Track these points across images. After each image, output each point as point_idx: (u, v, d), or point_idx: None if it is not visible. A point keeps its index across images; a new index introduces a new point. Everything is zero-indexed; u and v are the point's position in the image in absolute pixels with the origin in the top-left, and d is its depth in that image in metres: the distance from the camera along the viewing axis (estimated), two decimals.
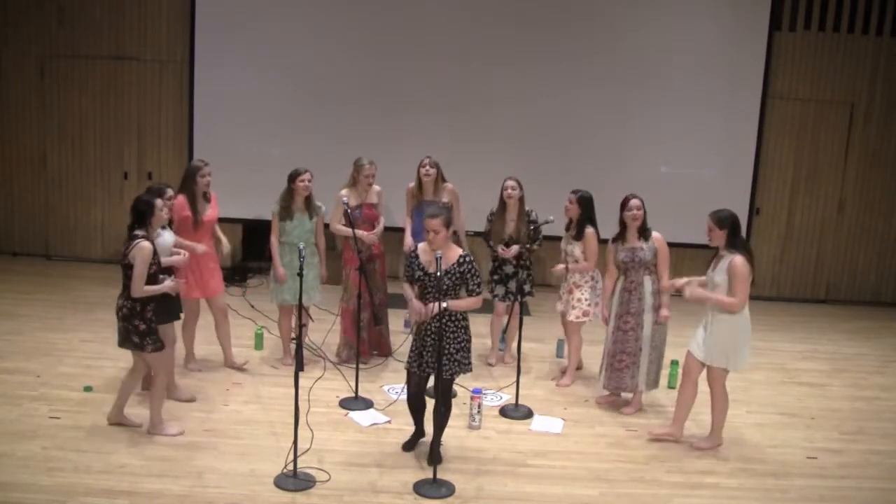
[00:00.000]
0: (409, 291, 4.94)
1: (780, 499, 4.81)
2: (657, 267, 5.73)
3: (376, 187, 6.53)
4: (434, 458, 4.84)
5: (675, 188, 8.80)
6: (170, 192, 5.59)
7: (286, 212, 6.22)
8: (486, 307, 6.86)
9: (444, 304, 4.71)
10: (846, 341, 8.07)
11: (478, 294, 4.85)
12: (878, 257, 9.54)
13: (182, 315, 5.88)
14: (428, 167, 6.65)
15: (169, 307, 5.47)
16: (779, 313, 8.97)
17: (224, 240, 6.27)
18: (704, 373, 5.32)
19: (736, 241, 5.11)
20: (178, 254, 5.49)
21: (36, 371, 6.07)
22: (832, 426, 5.91)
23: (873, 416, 6.15)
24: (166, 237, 5.47)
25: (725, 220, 5.11)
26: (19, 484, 4.45)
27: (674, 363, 6.29)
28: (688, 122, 9.01)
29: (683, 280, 5.33)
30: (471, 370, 4.97)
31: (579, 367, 6.64)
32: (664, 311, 5.70)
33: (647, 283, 5.73)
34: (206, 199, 6.09)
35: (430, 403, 5.04)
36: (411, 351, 4.94)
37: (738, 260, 5.02)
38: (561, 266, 6.21)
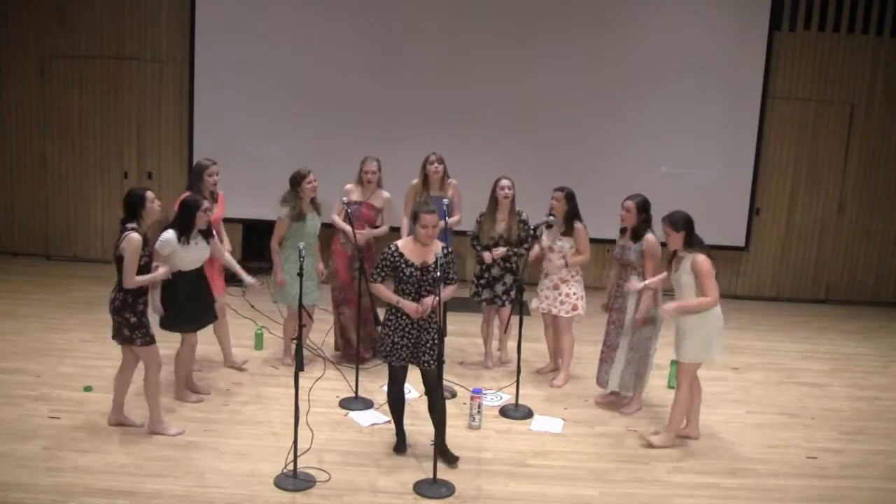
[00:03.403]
0: (389, 293, 4.85)
1: (780, 499, 4.81)
2: (643, 269, 5.74)
3: (385, 193, 6.52)
4: (449, 456, 4.90)
5: (675, 188, 8.79)
6: (206, 203, 5.49)
7: (299, 214, 6.21)
8: (479, 308, 6.85)
9: (438, 297, 4.77)
10: (846, 341, 8.06)
11: (455, 282, 4.96)
12: (878, 257, 9.54)
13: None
14: (436, 164, 6.66)
15: (200, 312, 5.47)
16: (779, 313, 8.98)
17: (226, 241, 6.23)
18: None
19: (692, 241, 5.16)
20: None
21: (36, 371, 6.07)
22: (832, 426, 5.91)
23: (873, 416, 6.15)
24: (184, 254, 5.36)
25: (680, 223, 5.16)
26: (19, 484, 4.46)
27: (673, 363, 6.28)
28: (688, 122, 9.01)
29: (644, 283, 5.50)
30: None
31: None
32: (639, 315, 5.69)
33: (632, 282, 5.75)
34: (213, 198, 6.09)
35: (421, 405, 5.06)
36: (392, 345, 4.85)
37: (700, 258, 5.09)
38: (560, 262, 6.16)
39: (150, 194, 5.02)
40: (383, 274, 4.89)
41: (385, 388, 6.10)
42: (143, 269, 4.95)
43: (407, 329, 4.85)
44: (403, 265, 4.82)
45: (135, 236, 4.86)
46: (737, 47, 8.92)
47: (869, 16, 9.01)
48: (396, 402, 5.09)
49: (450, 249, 4.95)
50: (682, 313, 5.21)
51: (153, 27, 9.10)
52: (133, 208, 4.95)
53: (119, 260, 4.88)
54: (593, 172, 8.74)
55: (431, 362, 4.82)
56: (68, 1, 9.03)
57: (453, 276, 4.94)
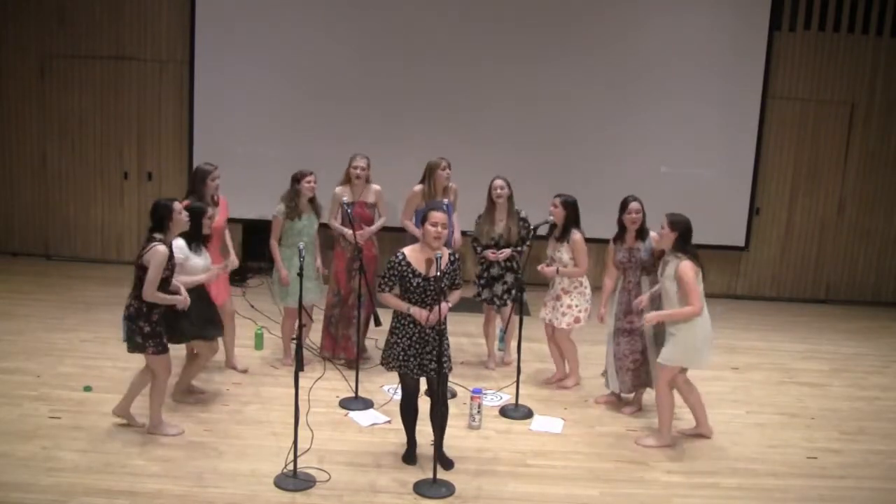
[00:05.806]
0: (398, 301, 4.73)
1: (780, 499, 4.81)
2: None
3: (375, 186, 6.48)
4: (445, 462, 4.88)
5: (675, 188, 8.79)
6: (210, 210, 5.51)
7: (294, 212, 6.20)
8: (479, 308, 6.85)
9: (449, 304, 4.74)
10: (846, 341, 8.06)
11: (461, 287, 4.90)
12: (878, 257, 9.54)
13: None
14: (449, 170, 6.52)
15: (205, 321, 5.46)
16: (779, 313, 8.98)
17: (232, 253, 6.19)
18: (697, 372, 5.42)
19: (684, 246, 5.14)
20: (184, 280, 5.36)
21: (36, 371, 6.07)
22: (832, 426, 5.91)
23: (873, 416, 6.15)
24: (196, 260, 5.38)
25: (678, 224, 5.16)
26: (19, 484, 4.46)
27: None
28: (688, 122, 9.01)
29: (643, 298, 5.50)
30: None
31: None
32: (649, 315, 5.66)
33: (645, 283, 5.73)
34: (215, 202, 6.08)
35: (423, 406, 5.05)
36: (401, 353, 4.74)
37: (684, 265, 5.06)
38: (551, 268, 6.10)
39: (177, 205, 5.00)
40: (391, 283, 4.74)
41: (385, 388, 6.13)
42: (164, 282, 4.91)
43: (415, 338, 4.73)
44: (410, 275, 4.69)
45: (161, 248, 4.83)
46: (737, 47, 8.92)
47: (869, 16, 9.01)
48: (408, 414, 4.98)
49: (457, 256, 4.86)
50: (663, 321, 5.24)
51: (153, 27, 9.10)
52: (160, 219, 4.93)
53: (140, 268, 4.85)
54: (593, 173, 8.74)
55: (432, 370, 4.74)
56: (68, 1, 9.02)
57: (459, 281, 4.86)
